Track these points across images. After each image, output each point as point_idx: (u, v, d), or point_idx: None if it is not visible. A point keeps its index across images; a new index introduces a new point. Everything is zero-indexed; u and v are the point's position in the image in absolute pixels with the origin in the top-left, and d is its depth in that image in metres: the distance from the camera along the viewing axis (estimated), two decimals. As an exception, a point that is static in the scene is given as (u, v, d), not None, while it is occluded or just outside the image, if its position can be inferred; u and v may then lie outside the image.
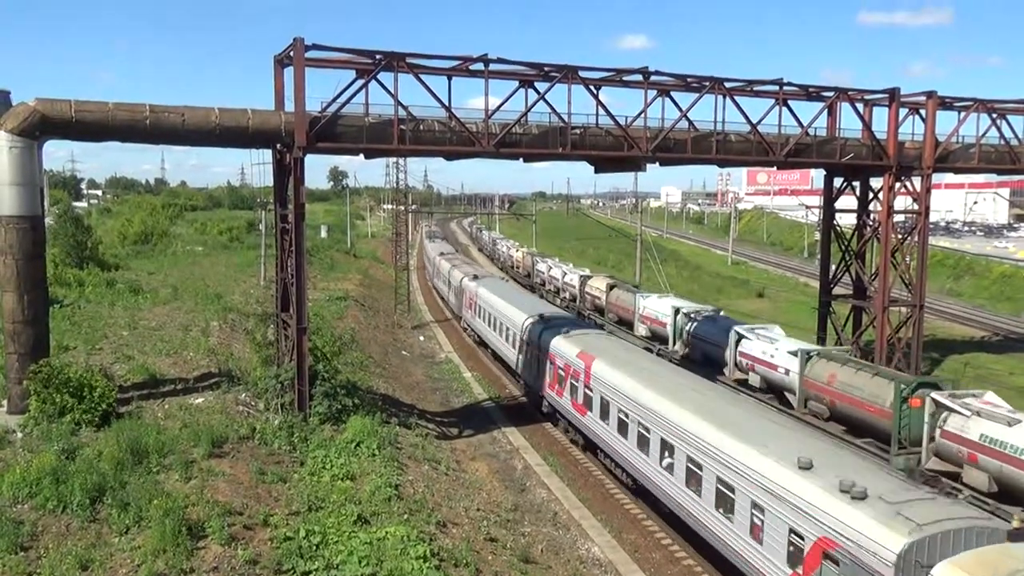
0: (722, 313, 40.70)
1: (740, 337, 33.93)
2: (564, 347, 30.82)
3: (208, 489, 17.64)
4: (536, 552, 20.57)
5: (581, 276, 58.61)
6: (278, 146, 25.68)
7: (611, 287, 51.56)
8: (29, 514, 15.66)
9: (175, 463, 18.54)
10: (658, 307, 42.95)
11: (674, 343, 40.38)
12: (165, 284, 47.90)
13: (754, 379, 32.82)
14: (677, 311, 40.48)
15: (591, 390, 27.59)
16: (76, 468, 17.20)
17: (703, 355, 37.44)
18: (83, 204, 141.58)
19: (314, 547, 15.99)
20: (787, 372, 30.43)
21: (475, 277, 54.41)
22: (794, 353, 30.14)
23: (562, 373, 30.45)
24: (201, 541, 15.37)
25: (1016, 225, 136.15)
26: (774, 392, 31.83)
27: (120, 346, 29.72)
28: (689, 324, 39.12)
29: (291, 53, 24.27)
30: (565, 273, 63.07)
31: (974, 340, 54.03)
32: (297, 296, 25.44)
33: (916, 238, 37.31)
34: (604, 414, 26.53)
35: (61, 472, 16.81)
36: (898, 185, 35.94)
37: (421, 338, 53.69)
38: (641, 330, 44.59)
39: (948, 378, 28.40)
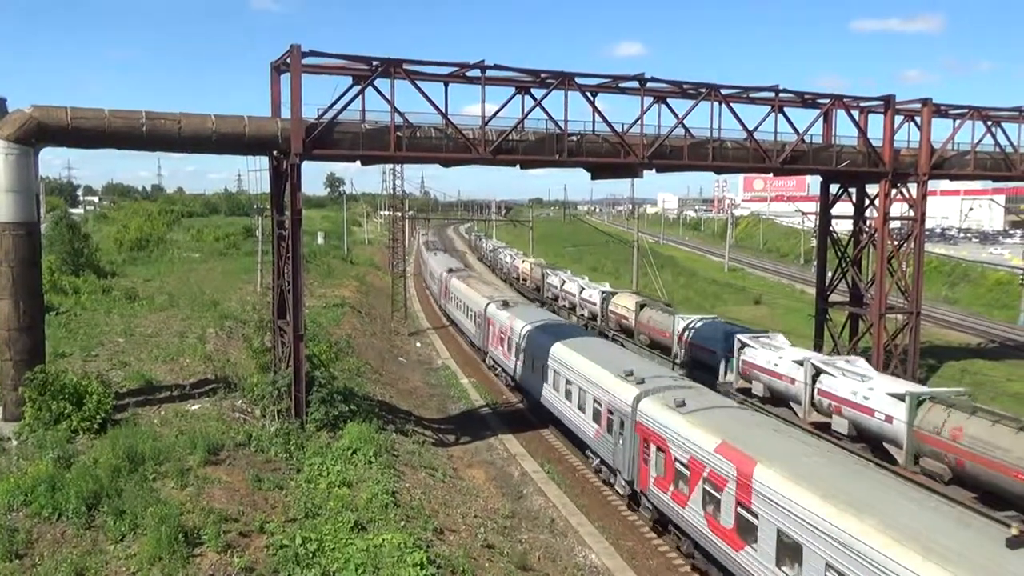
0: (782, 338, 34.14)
1: (819, 372, 28.44)
2: (699, 438, 20.12)
3: (204, 496, 17.58)
4: (533, 559, 20.53)
5: (603, 292, 51.98)
6: (275, 153, 25.69)
7: (641, 306, 45.77)
8: (24, 522, 15.60)
9: (171, 470, 18.48)
10: (707, 334, 37.33)
11: (724, 375, 34.60)
12: (161, 291, 47.83)
13: (840, 423, 27.16)
14: (728, 336, 34.50)
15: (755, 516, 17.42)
16: (72, 475, 17.14)
17: (769, 391, 31.71)
18: (79, 211, 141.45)
19: (311, 554, 15.94)
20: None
21: (505, 304, 44.21)
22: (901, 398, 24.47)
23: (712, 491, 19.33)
24: (197, 548, 15.32)
25: (1011, 232, 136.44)
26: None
27: (116, 353, 29.66)
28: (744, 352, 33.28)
29: (288, 60, 24.30)
30: (583, 288, 56.18)
31: (970, 347, 54.11)
32: (294, 303, 25.40)
33: (912, 245, 37.41)
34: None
35: (57, 479, 16.75)
36: (894, 192, 36.07)
37: (418, 345, 53.64)
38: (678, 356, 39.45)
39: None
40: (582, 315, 54.93)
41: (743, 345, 33.46)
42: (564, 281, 60.83)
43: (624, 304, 48.26)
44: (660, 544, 22.86)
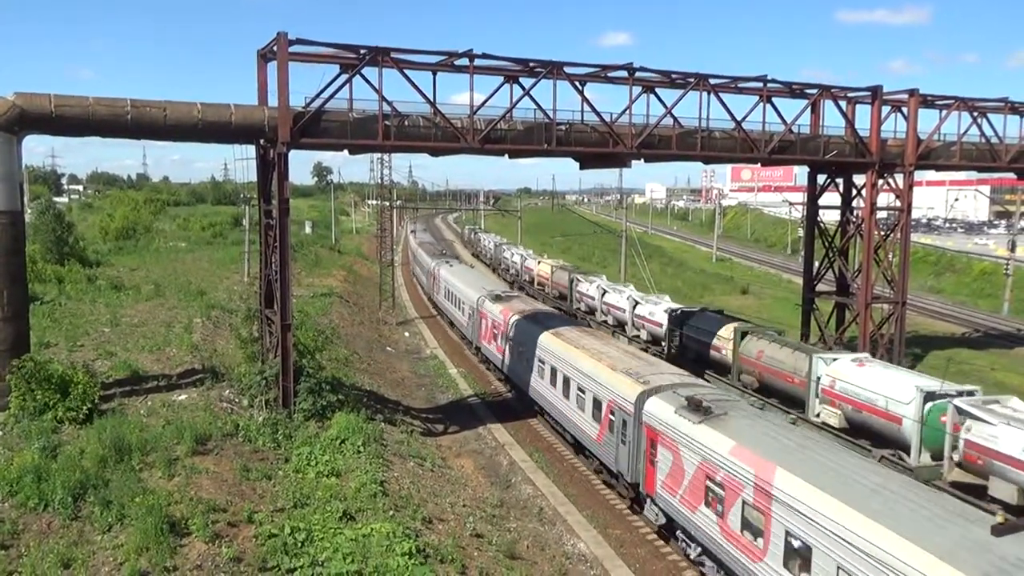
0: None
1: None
2: None
3: (191, 486, 17.53)
4: (522, 548, 20.59)
5: (672, 311, 39.58)
6: (262, 141, 25.52)
7: (743, 334, 33.11)
8: (10, 512, 15.50)
9: (158, 460, 18.41)
10: (898, 388, 24.39)
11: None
12: (147, 280, 47.50)
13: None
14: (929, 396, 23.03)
15: None
16: (58, 466, 17.05)
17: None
18: (64, 199, 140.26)
19: (299, 544, 15.93)
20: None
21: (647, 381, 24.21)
22: None
23: None
24: (184, 539, 15.28)
25: (996, 222, 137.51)
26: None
27: (102, 343, 29.46)
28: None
29: (275, 47, 24.12)
30: (637, 303, 44.35)
31: (955, 336, 54.55)
32: (281, 292, 25.30)
33: (898, 235, 37.61)
34: None
35: (43, 470, 16.65)
36: (881, 182, 36.21)
37: (406, 334, 53.57)
38: (827, 416, 27.29)
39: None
40: (636, 336, 43.64)
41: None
42: (605, 291, 49.18)
43: (725, 336, 34.89)
44: (648, 532, 22.98)
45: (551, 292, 61.21)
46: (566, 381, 28.58)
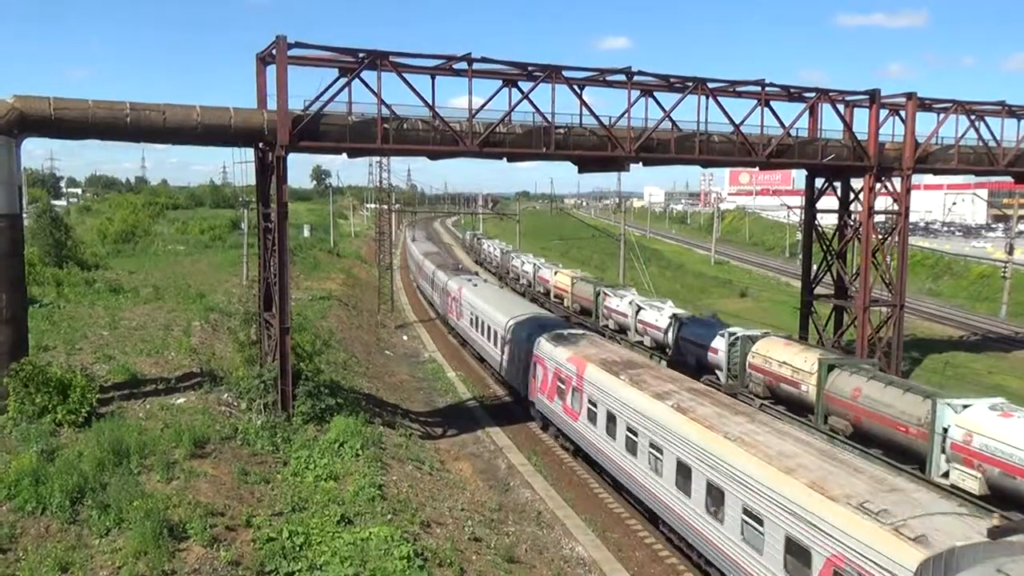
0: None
1: None
2: None
3: (190, 490, 17.50)
4: (520, 551, 20.58)
5: (735, 336, 34.11)
6: (260, 145, 25.52)
7: (831, 367, 28.38)
8: (7, 516, 15.46)
9: (156, 464, 18.37)
10: None
11: None
12: (146, 283, 47.51)
13: None
14: None
15: None
16: (56, 469, 16.99)
17: None
18: (62, 203, 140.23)
19: (297, 548, 15.90)
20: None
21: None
22: None
23: None
24: (183, 542, 15.25)
25: (994, 225, 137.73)
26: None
27: (100, 346, 29.43)
28: None
29: (274, 51, 24.14)
30: (683, 323, 38.95)
31: (953, 339, 54.58)
32: (280, 295, 25.29)
33: (896, 238, 37.67)
34: None
35: (41, 473, 16.59)
36: (878, 186, 36.27)
37: (404, 337, 53.57)
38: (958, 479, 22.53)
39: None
40: (686, 362, 37.56)
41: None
42: (641, 308, 43.79)
43: (787, 359, 30.48)
44: (647, 536, 22.98)
45: (571, 306, 56.22)
46: (756, 519, 16.99)
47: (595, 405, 25.84)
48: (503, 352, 37.44)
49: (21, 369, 21.06)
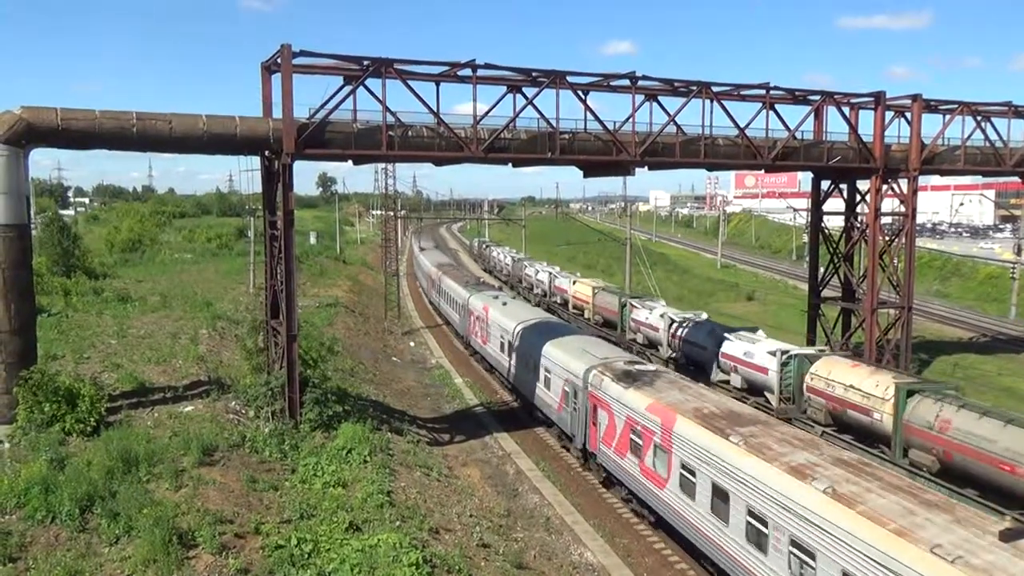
0: None
1: None
2: None
3: (198, 497, 17.53)
4: (529, 558, 20.54)
5: (788, 355, 30.82)
6: (266, 153, 25.63)
7: (907, 393, 25.08)
8: (17, 524, 15.51)
9: (165, 472, 18.42)
10: None
11: None
12: (153, 292, 47.63)
13: None
14: None
15: None
16: (65, 477, 17.05)
17: None
18: (70, 212, 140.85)
19: (306, 555, 15.91)
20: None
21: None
22: None
23: None
24: (192, 550, 15.27)
25: (1002, 226, 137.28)
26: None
27: (108, 355, 29.52)
28: None
29: (279, 60, 24.23)
30: (724, 338, 35.45)
31: (962, 341, 54.33)
32: (287, 303, 25.35)
33: (903, 240, 37.54)
34: None
35: (50, 481, 16.66)
36: (885, 187, 36.18)
37: (411, 344, 53.59)
38: None
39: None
40: (723, 382, 35.07)
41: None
42: (675, 322, 40.16)
43: (855, 383, 27.29)
44: (656, 541, 22.91)
45: (592, 318, 52.73)
46: None
47: (692, 473, 20.42)
48: (545, 385, 32.08)
49: (30, 378, 21.18)
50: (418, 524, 19.09)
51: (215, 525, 16.14)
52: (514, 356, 37.18)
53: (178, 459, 19.41)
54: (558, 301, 61.30)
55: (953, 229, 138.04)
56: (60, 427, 20.46)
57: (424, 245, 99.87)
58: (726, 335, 35.85)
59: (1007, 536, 12.97)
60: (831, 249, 38.99)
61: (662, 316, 41.89)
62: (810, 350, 32.02)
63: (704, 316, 40.93)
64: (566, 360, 29.98)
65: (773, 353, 31.26)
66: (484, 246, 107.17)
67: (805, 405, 29.87)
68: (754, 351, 33.14)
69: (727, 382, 35.05)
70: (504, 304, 43.54)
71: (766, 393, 31.98)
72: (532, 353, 33.70)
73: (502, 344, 39.66)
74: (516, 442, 31.45)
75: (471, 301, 47.42)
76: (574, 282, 59.20)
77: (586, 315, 54.24)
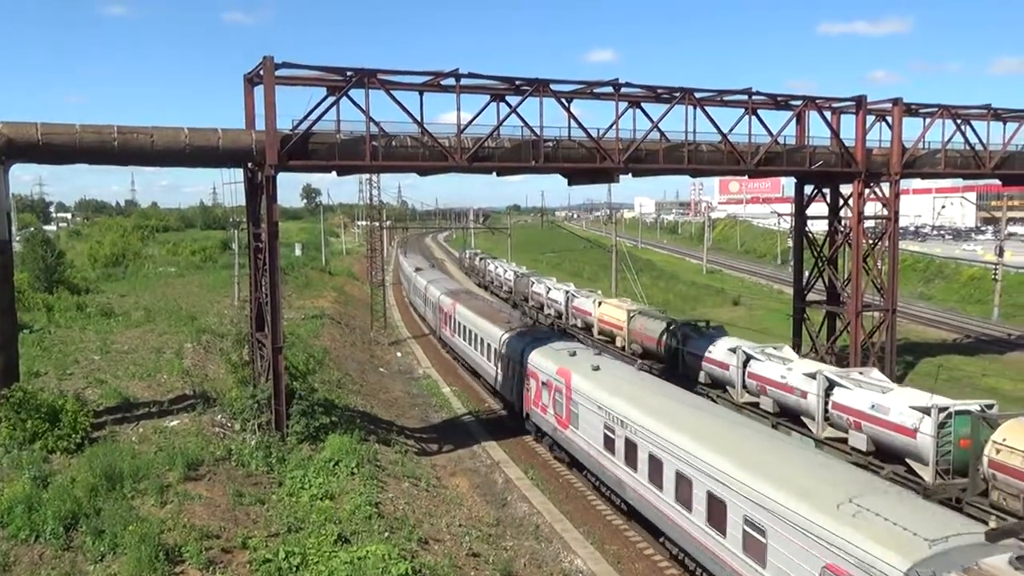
0: None
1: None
2: None
3: (184, 513, 17.38)
4: (519, 566, 20.47)
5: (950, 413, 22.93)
6: (250, 165, 25.54)
7: None
8: (1, 544, 15.33)
9: (150, 487, 18.25)
10: None
11: None
12: (137, 306, 47.32)
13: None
14: None
15: None
16: (49, 495, 16.87)
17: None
18: (52, 227, 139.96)
19: (294, 568, 15.80)
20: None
21: None
22: None
23: None
24: (178, 566, 15.14)
25: (983, 228, 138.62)
26: None
27: (92, 371, 29.29)
28: None
29: (261, 72, 24.18)
30: (834, 384, 27.10)
31: (946, 343, 54.74)
32: (272, 315, 25.23)
33: (886, 243, 37.79)
34: None
35: (34, 500, 16.49)
36: (867, 191, 36.43)
37: (399, 354, 53.43)
38: None
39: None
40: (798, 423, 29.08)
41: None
42: (751, 357, 32.27)
43: None
44: (646, 548, 22.88)
45: (627, 347, 44.23)
46: None
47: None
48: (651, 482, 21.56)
49: (12, 395, 20.95)
50: (407, 535, 19.00)
51: (201, 540, 16.02)
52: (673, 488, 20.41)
53: (163, 474, 19.25)
54: (577, 325, 52.69)
55: (936, 232, 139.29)
56: (43, 444, 20.26)
57: (419, 264, 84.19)
58: (835, 380, 27.14)
59: (993, 536, 13.03)
60: (815, 253, 39.20)
61: (732, 351, 33.72)
62: (974, 404, 23.46)
63: (786, 348, 33.23)
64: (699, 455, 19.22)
65: (929, 411, 23.22)
66: (478, 258, 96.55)
67: (989, 486, 21.32)
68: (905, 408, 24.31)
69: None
70: (596, 369, 27.23)
71: (909, 461, 23.99)
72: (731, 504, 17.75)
73: (626, 448, 23.15)
74: (504, 451, 31.37)
75: (533, 358, 31.66)
76: (599, 303, 50.03)
77: (618, 343, 45.84)
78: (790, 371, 29.80)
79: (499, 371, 37.12)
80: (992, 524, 13.59)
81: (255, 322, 27.19)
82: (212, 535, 16.66)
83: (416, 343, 57.81)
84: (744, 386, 32.79)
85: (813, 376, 28.25)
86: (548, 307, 60.08)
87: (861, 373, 28.16)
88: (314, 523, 18.27)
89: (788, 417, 29.95)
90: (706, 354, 35.62)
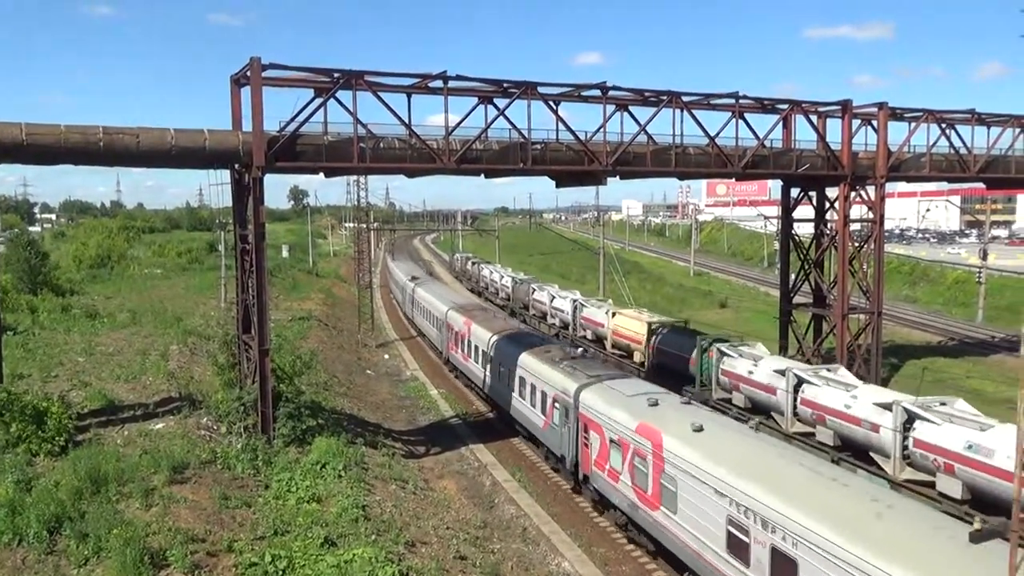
0: None
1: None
2: None
3: (170, 516, 17.26)
4: (506, 569, 20.45)
5: None
6: (236, 166, 25.42)
7: None
8: (-17, 548, 15.19)
9: (135, 491, 18.12)
10: None
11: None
12: (122, 308, 47.05)
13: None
14: None
15: None
16: (32, 499, 16.73)
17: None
18: (37, 228, 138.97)
19: (280, 572, 15.72)
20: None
21: None
22: None
23: None
24: (163, 570, 15.03)
25: (968, 231, 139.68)
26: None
27: (76, 373, 29.10)
28: None
29: (248, 73, 24.09)
30: (917, 416, 22.61)
31: (931, 345, 55.14)
32: (259, 317, 25.12)
33: (872, 246, 38.02)
34: None
35: (17, 503, 16.33)
36: (853, 194, 36.67)
37: (386, 356, 53.32)
38: None
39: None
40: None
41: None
42: (805, 381, 27.75)
43: None
44: (633, 550, 22.90)
45: (646, 363, 39.72)
46: None
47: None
48: None
49: (-5, 398, 20.76)
50: (394, 538, 18.94)
51: (187, 544, 15.91)
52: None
53: (148, 477, 19.12)
54: (588, 337, 48.04)
55: (921, 235, 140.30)
56: (27, 447, 20.09)
57: (414, 272, 76.45)
58: (915, 412, 23.05)
59: (976, 538, 13.11)
60: (802, 256, 39.40)
61: (780, 372, 28.79)
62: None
63: (841, 370, 29.28)
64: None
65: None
66: (470, 263, 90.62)
67: None
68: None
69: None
70: (699, 431, 19.99)
71: None
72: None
73: (773, 561, 15.86)
74: (492, 453, 31.35)
75: (592, 403, 24.79)
76: (613, 314, 45.42)
77: (636, 359, 41.15)
78: (855, 399, 25.37)
79: (540, 412, 29.48)
80: (976, 525, 13.65)
81: (242, 324, 27.06)
82: (197, 538, 16.55)
83: (403, 345, 57.70)
84: (796, 414, 27.98)
85: (887, 407, 23.82)
86: (552, 316, 55.05)
87: (944, 404, 23.40)
88: (301, 526, 18.19)
89: (852, 452, 25.45)
90: (746, 375, 30.84)
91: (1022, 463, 10.81)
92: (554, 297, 55.66)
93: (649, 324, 40.74)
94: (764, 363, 30.52)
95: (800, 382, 27.87)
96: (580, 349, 34.59)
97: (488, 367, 36.97)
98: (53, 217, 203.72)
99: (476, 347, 39.21)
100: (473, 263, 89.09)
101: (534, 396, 29.91)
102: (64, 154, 23.04)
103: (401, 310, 71.14)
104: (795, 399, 27.83)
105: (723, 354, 32.66)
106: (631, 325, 42.57)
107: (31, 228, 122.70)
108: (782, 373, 28.55)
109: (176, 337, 36.49)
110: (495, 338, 36.64)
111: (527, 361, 31.35)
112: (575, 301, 51.51)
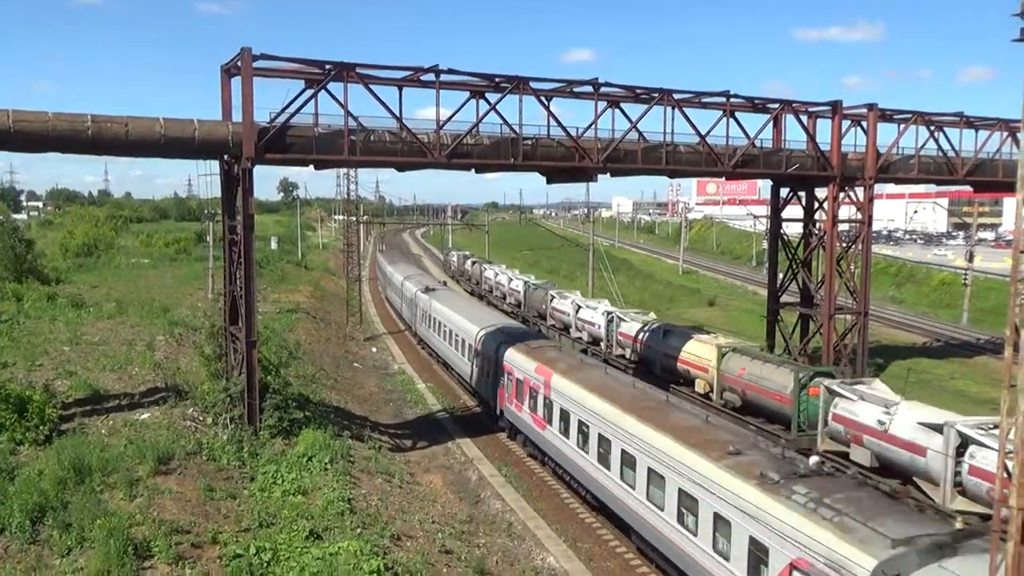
0: None
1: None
2: None
3: (154, 507, 17.22)
4: (491, 563, 20.50)
5: None
6: (226, 157, 25.31)
7: None
8: (-35, 537, 15.10)
9: (119, 481, 18.06)
10: None
11: None
12: (109, 298, 46.69)
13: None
14: None
15: None
16: (15, 488, 16.65)
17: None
18: (23, 216, 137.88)
19: (265, 564, 15.72)
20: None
21: None
22: None
23: None
24: (147, 561, 15.00)
25: (955, 233, 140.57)
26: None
27: (62, 362, 28.88)
28: None
29: (239, 63, 23.96)
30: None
31: (916, 346, 55.49)
32: (246, 309, 25.03)
33: (860, 246, 38.22)
34: None
35: (0, 492, 16.25)
36: (842, 195, 36.83)
37: (374, 349, 53.24)
38: None
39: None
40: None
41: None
42: (975, 446, 19.83)
43: None
44: (618, 545, 22.99)
45: (716, 397, 31.75)
46: None
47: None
48: None
49: (-22, 386, 20.61)
50: (379, 531, 18.96)
51: (171, 535, 15.88)
52: None
53: (133, 468, 19.05)
54: (625, 356, 40.29)
55: (908, 236, 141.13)
56: (10, 436, 19.97)
57: (418, 276, 64.13)
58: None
59: (959, 538, 13.23)
60: (790, 255, 39.57)
61: (934, 428, 21.16)
62: None
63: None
64: None
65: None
66: (469, 262, 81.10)
67: None
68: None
69: None
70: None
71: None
72: None
73: None
74: (479, 448, 31.36)
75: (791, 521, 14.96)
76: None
77: (699, 387, 33.41)
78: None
79: (637, 507, 20.97)
80: (959, 525, 13.78)
81: (229, 315, 26.97)
82: (182, 530, 16.52)
83: (391, 339, 57.61)
84: (957, 484, 20.42)
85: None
86: (578, 330, 46.33)
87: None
88: (286, 519, 18.18)
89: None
90: (876, 426, 22.90)
91: (1003, 463, 10.92)
92: (580, 307, 46.62)
93: (719, 348, 32.60)
94: (904, 412, 22.52)
95: (964, 442, 20.05)
96: (817, 458, 18.09)
97: (604, 463, 22.93)
98: (40, 205, 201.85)
99: (567, 413, 25.44)
100: (473, 263, 79.52)
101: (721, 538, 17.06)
102: (52, 142, 22.89)
103: (402, 320, 62.38)
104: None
105: (834, 393, 25.18)
106: (696, 349, 34.17)
107: (17, 216, 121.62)
108: (936, 429, 20.94)
109: (163, 327, 36.28)
110: (617, 412, 22.50)
111: (703, 467, 17.93)
112: (610, 314, 42.50)
